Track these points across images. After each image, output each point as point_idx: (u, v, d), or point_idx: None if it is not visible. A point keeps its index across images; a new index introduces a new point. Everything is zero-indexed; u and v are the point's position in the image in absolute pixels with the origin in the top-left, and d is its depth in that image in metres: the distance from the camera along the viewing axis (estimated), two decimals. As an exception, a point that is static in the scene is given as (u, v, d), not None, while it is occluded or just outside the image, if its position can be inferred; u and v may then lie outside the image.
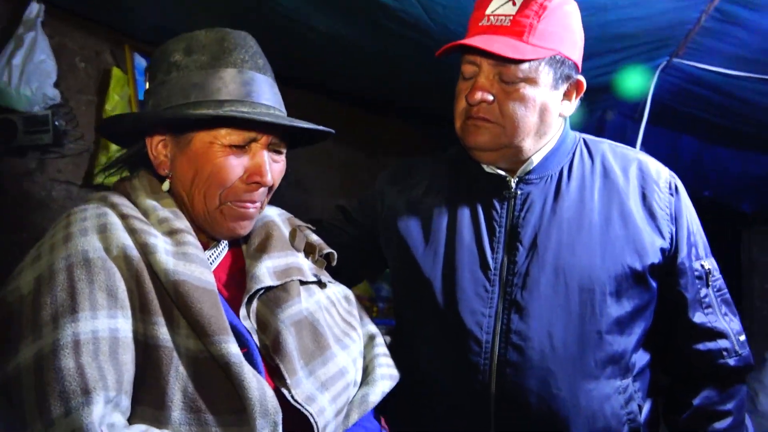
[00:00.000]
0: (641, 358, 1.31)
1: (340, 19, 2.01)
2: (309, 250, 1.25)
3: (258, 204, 1.13)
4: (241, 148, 1.07)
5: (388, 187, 1.47)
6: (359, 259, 1.48)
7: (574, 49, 1.27)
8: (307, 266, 1.22)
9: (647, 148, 3.54)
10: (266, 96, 1.09)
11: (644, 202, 1.30)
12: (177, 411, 0.91)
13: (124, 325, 0.92)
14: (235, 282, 1.14)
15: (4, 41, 2.25)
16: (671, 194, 1.31)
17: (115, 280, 0.93)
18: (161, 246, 0.99)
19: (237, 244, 1.21)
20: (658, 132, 3.47)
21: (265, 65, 1.12)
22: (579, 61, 1.29)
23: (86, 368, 0.85)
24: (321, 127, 1.14)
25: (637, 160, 1.35)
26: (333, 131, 1.18)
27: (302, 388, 1.02)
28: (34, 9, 2.27)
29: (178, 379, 0.93)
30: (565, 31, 1.24)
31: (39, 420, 0.82)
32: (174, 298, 0.95)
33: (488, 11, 1.24)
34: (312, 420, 0.99)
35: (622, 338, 1.25)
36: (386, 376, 1.20)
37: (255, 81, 1.08)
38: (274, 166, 1.12)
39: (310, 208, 3.70)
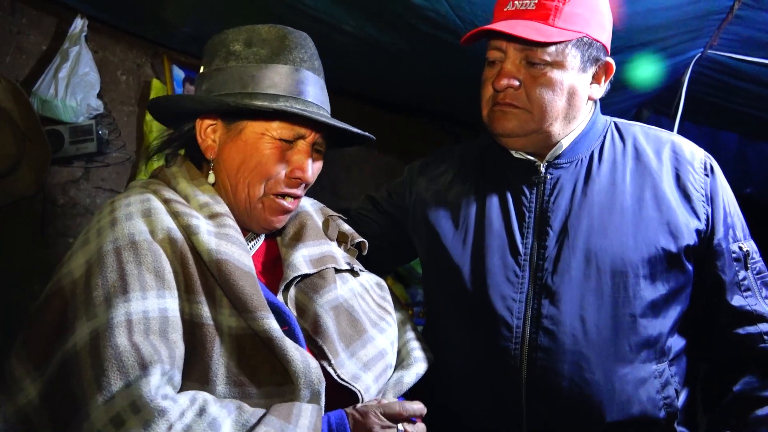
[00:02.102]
0: (677, 343, 1.29)
1: (369, 21, 2.05)
2: (341, 239, 1.28)
3: (296, 200, 1.17)
4: (288, 143, 1.12)
5: (417, 176, 1.49)
6: (388, 248, 1.50)
7: (603, 31, 1.27)
8: (340, 254, 1.24)
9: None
10: (318, 96, 1.14)
11: (678, 183, 1.28)
12: (221, 385, 0.95)
13: (172, 304, 0.96)
14: (271, 270, 1.17)
15: (51, 56, 2.36)
16: (706, 175, 1.29)
17: (162, 262, 0.98)
18: (204, 227, 1.03)
19: (271, 235, 1.24)
20: (697, 128, 3.40)
21: (320, 67, 1.16)
22: (608, 43, 1.29)
23: (141, 345, 0.89)
24: (365, 133, 1.18)
25: (670, 141, 1.34)
26: (374, 138, 1.21)
27: (347, 368, 1.05)
28: (78, 24, 2.37)
29: (221, 356, 0.97)
30: (592, 12, 1.24)
31: (99, 394, 0.85)
32: (216, 277, 0.99)
33: None
34: (360, 396, 1.02)
35: (657, 321, 1.23)
36: (420, 358, 1.21)
37: (309, 80, 1.12)
38: (315, 165, 1.16)
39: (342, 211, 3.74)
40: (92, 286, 0.94)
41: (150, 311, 0.93)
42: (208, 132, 1.14)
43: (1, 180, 2.17)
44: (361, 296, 1.23)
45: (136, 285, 0.94)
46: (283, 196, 1.14)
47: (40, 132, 2.23)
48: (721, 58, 2.45)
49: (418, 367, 1.20)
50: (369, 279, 1.30)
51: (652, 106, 3.39)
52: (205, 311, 0.99)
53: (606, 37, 1.28)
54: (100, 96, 2.42)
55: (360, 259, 1.33)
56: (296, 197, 1.16)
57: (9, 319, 2.17)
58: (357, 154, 3.68)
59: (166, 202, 1.06)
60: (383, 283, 1.34)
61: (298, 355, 0.98)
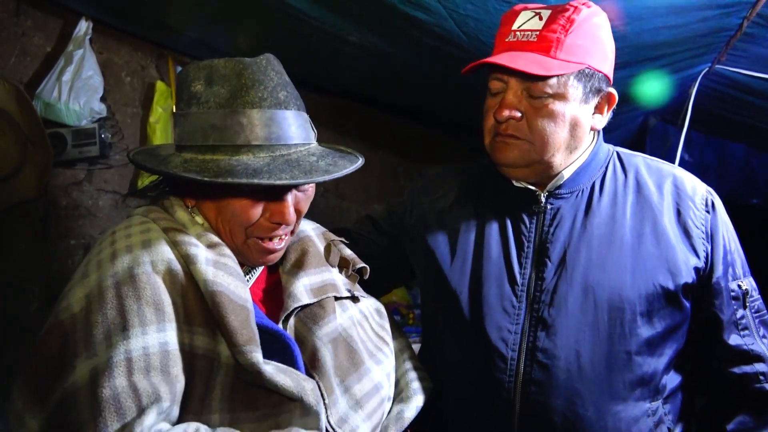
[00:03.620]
0: (672, 380, 1.29)
1: (375, 34, 2.04)
2: (343, 265, 1.27)
3: (285, 239, 1.14)
4: (261, 193, 1.07)
5: (418, 198, 1.48)
6: (387, 269, 1.50)
7: (605, 62, 1.25)
8: (340, 281, 1.24)
9: (693, 155, 3.46)
10: (288, 134, 1.06)
11: (678, 219, 1.27)
12: (215, 414, 0.95)
13: (172, 337, 0.96)
14: (272, 297, 1.17)
15: (55, 58, 2.36)
16: (707, 211, 1.28)
17: (161, 294, 0.97)
18: (202, 256, 1.03)
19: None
20: (705, 139, 3.38)
21: (288, 97, 1.07)
22: (610, 73, 1.27)
23: (139, 385, 0.89)
24: (347, 171, 1.09)
25: (672, 175, 1.32)
26: (361, 162, 1.15)
27: (337, 407, 1.04)
28: (83, 26, 2.37)
29: (218, 384, 0.97)
30: (594, 43, 1.23)
31: None
32: (212, 309, 0.99)
33: (515, 27, 1.24)
34: None
35: (652, 359, 1.22)
36: (419, 390, 1.21)
37: (275, 121, 1.04)
38: (300, 197, 1.12)
39: (346, 214, 3.74)
40: (92, 323, 0.94)
41: (150, 347, 0.93)
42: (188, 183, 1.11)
43: (4, 183, 2.17)
44: (360, 324, 1.22)
45: (135, 321, 0.94)
46: (270, 239, 1.11)
47: (43, 135, 2.24)
48: (729, 73, 2.43)
49: (418, 399, 1.20)
50: (369, 305, 1.30)
51: (659, 115, 3.37)
52: (204, 342, 0.99)
53: (608, 67, 1.27)
54: (103, 99, 2.42)
55: (360, 282, 1.32)
56: (283, 237, 1.13)
57: (10, 320, 2.19)
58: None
59: (166, 231, 1.06)
60: (382, 309, 1.33)
61: (289, 380, 0.97)
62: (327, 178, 1.05)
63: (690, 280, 1.23)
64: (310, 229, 1.30)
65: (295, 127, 1.08)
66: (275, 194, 1.07)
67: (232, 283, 1.02)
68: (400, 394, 1.20)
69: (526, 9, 1.25)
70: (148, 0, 2.12)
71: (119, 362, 0.90)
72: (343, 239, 1.33)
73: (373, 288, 1.39)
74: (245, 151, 1.03)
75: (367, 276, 1.30)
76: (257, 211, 1.07)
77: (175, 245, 1.04)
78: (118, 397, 0.87)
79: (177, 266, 1.01)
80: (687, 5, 1.80)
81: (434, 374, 1.30)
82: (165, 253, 1.02)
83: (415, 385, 1.22)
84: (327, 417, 1.02)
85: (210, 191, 1.09)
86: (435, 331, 1.42)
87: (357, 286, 1.29)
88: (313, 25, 2.00)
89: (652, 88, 2.46)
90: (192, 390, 0.97)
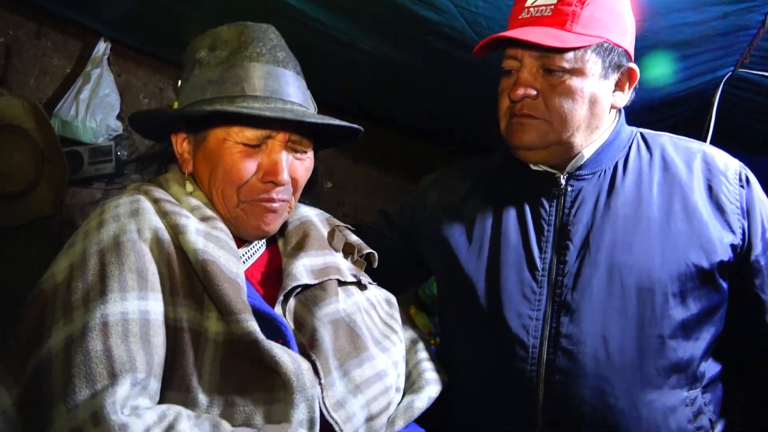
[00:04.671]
0: (712, 368, 1.19)
1: (386, 40, 2.03)
2: (348, 251, 1.22)
3: (282, 203, 1.09)
4: (255, 146, 1.05)
5: (431, 190, 1.43)
6: (401, 265, 1.44)
7: (625, 36, 1.21)
8: (346, 267, 1.18)
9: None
10: (286, 90, 1.06)
11: (711, 194, 1.20)
12: (203, 393, 0.89)
13: (155, 306, 0.91)
14: (272, 281, 1.12)
15: (74, 78, 2.39)
16: (741, 186, 1.21)
17: (145, 262, 0.93)
18: (193, 226, 0.99)
19: (274, 241, 1.19)
20: (729, 152, 3.29)
21: (286, 58, 1.09)
22: (631, 49, 1.23)
23: (114, 350, 0.84)
24: (339, 122, 1.08)
25: (701, 151, 1.26)
26: (360, 128, 1.14)
27: (334, 390, 0.97)
28: (101, 47, 2.41)
29: (205, 362, 0.91)
30: (612, 16, 1.18)
31: (63, 403, 0.81)
32: (201, 277, 0.94)
33: (528, 3, 1.20)
34: (338, 428, 0.94)
35: (688, 344, 1.14)
36: (432, 381, 1.14)
37: (272, 75, 1.05)
38: (296, 164, 1.09)
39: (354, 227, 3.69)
40: (72, 290, 0.90)
41: (129, 312, 0.88)
42: (184, 146, 1.11)
43: (20, 198, 2.18)
44: (366, 311, 1.16)
45: (115, 286, 0.89)
46: (262, 201, 1.07)
47: (60, 152, 2.25)
48: (753, 77, 2.37)
49: (430, 390, 1.12)
50: (378, 294, 1.24)
51: (680, 130, 3.29)
52: (190, 315, 0.94)
53: (629, 42, 1.22)
54: (120, 117, 2.44)
55: (371, 275, 1.26)
56: (278, 201, 1.08)
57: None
58: (376, 179, 3.64)
59: (155, 201, 1.03)
60: (393, 299, 1.27)
61: (287, 356, 0.91)
62: (320, 121, 1.04)
63: (726, 258, 1.15)
64: (313, 214, 1.26)
65: (294, 87, 1.07)
66: (268, 151, 1.05)
67: (223, 257, 0.98)
68: (412, 386, 1.13)
69: None
70: (167, 20, 2.15)
71: (95, 326, 0.85)
72: (348, 226, 1.28)
73: (388, 284, 1.32)
74: (240, 101, 1.02)
75: (375, 263, 1.24)
76: (250, 167, 1.04)
77: (164, 215, 1.00)
78: (89, 362, 0.82)
79: (165, 235, 0.98)
80: (705, -2, 1.76)
81: (453, 369, 1.22)
82: (153, 221, 0.98)
83: (428, 375, 1.15)
84: (323, 399, 0.95)
85: (203, 146, 1.06)
86: (452, 324, 1.35)
87: (364, 273, 1.23)
88: (326, 35, 2.00)
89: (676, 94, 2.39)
90: (178, 366, 0.91)
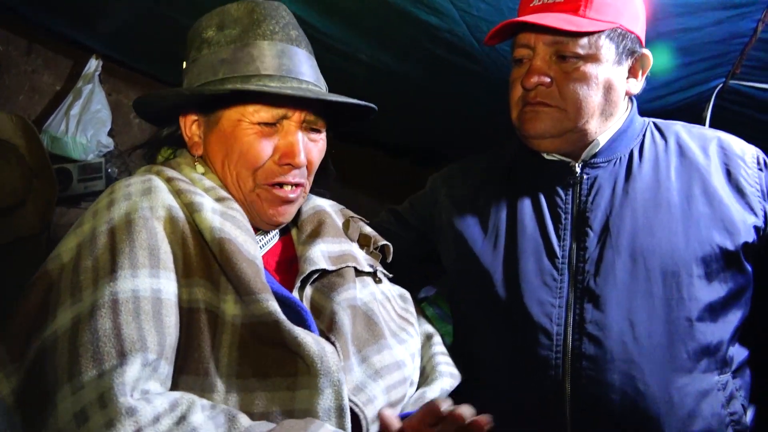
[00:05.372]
0: (740, 353, 1.16)
1: (385, 48, 2.02)
2: (363, 242, 1.18)
3: (298, 188, 1.06)
4: (271, 126, 1.01)
5: (441, 185, 1.40)
6: (414, 262, 1.40)
7: (636, 22, 1.21)
8: (361, 256, 1.14)
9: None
10: (300, 69, 1.03)
11: (729, 178, 1.18)
12: (221, 377, 0.83)
13: (167, 286, 0.86)
14: (286, 269, 1.07)
15: (64, 96, 2.35)
16: (760, 169, 1.20)
17: (158, 240, 0.88)
18: (208, 205, 0.95)
19: (288, 231, 1.14)
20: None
21: (299, 37, 1.06)
22: (642, 35, 1.23)
23: (124, 328, 0.78)
24: (356, 101, 1.06)
25: (716, 137, 1.26)
26: (374, 106, 1.11)
27: (352, 375, 0.92)
28: (93, 64, 2.38)
29: (222, 345, 0.85)
30: (624, 2, 1.19)
31: (68, 384, 0.75)
32: (218, 256, 0.89)
33: None
34: (358, 410, 0.89)
35: (716, 326, 1.11)
36: (445, 374, 1.09)
37: (286, 53, 1.02)
38: (310, 146, 1.06)
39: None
40: (80, 269, 0.84)
41: (141, 290, 0.83)
42: (194, 128, 1.06)
43: (7, 215, 2.10)
44: (382, 304, 1.11)
45: (125, 262, 0.84)
46: (280, 185, 1.03)
47: (49, 169, 2.18)
48: (744, 89, 2.39)
49: (443, 381, 1.07)
50: (391, 289, 1.19)
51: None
52: (205, 296, 0.88)
53: (640, 28, 1.22)
54: (111, 134, 2.39)
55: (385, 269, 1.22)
56: (296, 185, 1.05)
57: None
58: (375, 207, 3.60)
59: (168, 180, 0.98)
60: (407, 295, 1.22)
61: (310, 338, 0.86)
62: (336, 99, 1.01)
63: (750, 240, 1.14)
64: (327, 205, 1.22)
65: (306, 66, 1.05)
66: (284, 132, 1.02)
67: (240, 236, 0.93)
68: (426, 379, 1.08)
69: None
70: (161, 33, 2.13)
71: (104, 303, 0.80)
72: (363, 218, 1.23)
73: (401, 282, 1.27)
74: (255, 80, 0.99)
75: (390, 257, 1.20)
76: (266, 148, 1.01)
77: (178, 194, 0.96)
78: (97, 341, 0.76)
79: (179, 214, 0.93)
80: (702, 2, 1.78)
81: (469, 365, 1.17)
82: (166, 200, 0.93)
83: (442, 368, 1.11)
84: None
85: (217, 127, 1.02)
86: (467, 317, 1.30)
87: (379, 264, 1.18)
88: (325, 44, 1.99)
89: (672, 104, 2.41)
90: (193, 349, 0.85)
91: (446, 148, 3.30)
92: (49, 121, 2.26)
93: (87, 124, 2.27)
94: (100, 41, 2.31)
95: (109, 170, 2.35)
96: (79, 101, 2.29)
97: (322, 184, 1.18)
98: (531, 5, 1.21)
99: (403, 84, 2.26)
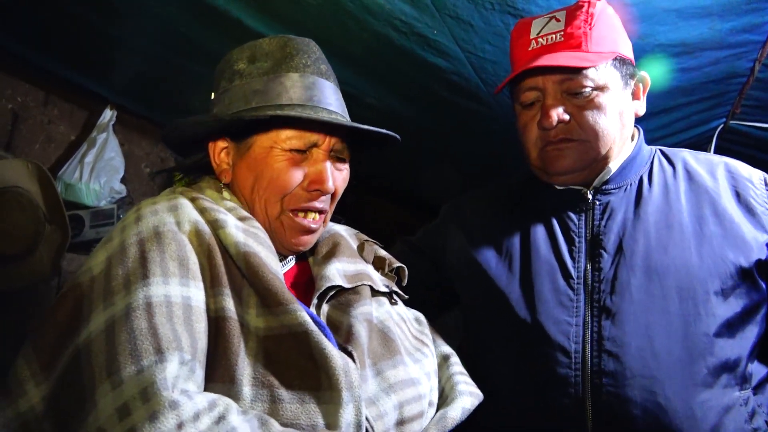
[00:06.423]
0: (759, 370, 1.16)
1: (392, 91, 2.08)
2: (378, 264, 1.19)
3: (321, 217, 1.10)
4: (301, 153, 1.05)
5: (453, 215, 1.43)
6: (427, 291, 1.40)
7: (628, 47, 1.28)
8: (377, 277, 1.15)
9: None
10: (329, 101, 1.08)
11: (739, 199, 1.21)
12: (248, 386, 0.84)
13: (197, 294, 0.88)
14: (304, 290, 1.09)
15: (78, 145, 2.41)
16: None
17: (186, 252, 0.91)
18: (231, 222, 0.98)
19: (304, 257, 1.16)
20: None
21: (328, 71, 1.11)
22: (633, 59, 1.29)
23: (160, 328, 0.80)
24: (385, 131, 1.10)
25: (723, 162, 1.29)
26: (398, 136, 1.15)
27: (366, 386, 0.93)
28: (107, 115, 2.45)
29: (248, 354, 0.87)
30: (616, 32, 1.25)
31: (108, 381, 0.75)
32: (244, 271, 0.92)
33: (533, 35, 1.24)
34: (368, 425, 0.88)
35: (734, 342, 1.11)
36: (465, 392, 1.08)
37: (317, 86, 1.07)
38: (337, 174, 1.09)
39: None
40: (111, 277, 0.86)
41: (172, 296, 0.85)
42: (222, 156, 1.10)
43: (18, 262, 2.11)
44: (398, 324, 1.12)
45: (157, 270, 0.86)
46: (305, 212, 1.07)
47: (63, 214, 2.20)
48: (745, 129, 2.43)
49: (464, 401, 1.06)
50: (406, 311, 1.20)
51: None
52: (232, 305, 0.90)
53: (631, 53, 1.28)
54: (123, 181, 2.43)
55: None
56: (320, 212, 1.08)
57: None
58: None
59: (193, 200, 1.01)
60: (422, 317, 1.23)
61: (336, 352, 0.87)
62: (367, 128, 1.05)
63: (763, 257, 1.15)
64: (341, 229, 1.24)
65: (334, 98, 1.09)
66: (313, 160, 1.06)
67: (263, 252, 0.96)
68: (446, 400, 1.07)
69: (534, 18, 1.27)
70: (177, 82, 2.20)
71: (138, 306, 0.81)
72: (377, 242, 1.25)
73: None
74: (288, 109, 1.02)
75: (405, 280, 1.21)
76: (296, 175, 1.04)
77: (202, 212, 0.99)
78: (134, 340, 0.77)
79: (205, 228, 0.96)
80: (698, 42, 1.84)
81: (489, 387, 1.16)
82: (192, 215, 0.97)
83: (462, 387, 1.10)
84: None
85: (248, 154, 1.05)
86: (481, 340, 1.30)
87: (395, 285, 1.19)
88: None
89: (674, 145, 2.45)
90: (222, 356, 0.86)
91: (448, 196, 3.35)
92: (63, 168, 2.31)
93: (101, 171, 2.32)
94: (115, 90, 2.38)
95: (122, 216, 2.37)
96: (94, 149, 2.35)
97: (336, 211, 1.20)
98: (529, 49, 1.24)
99: (411, 129, 2.32)
